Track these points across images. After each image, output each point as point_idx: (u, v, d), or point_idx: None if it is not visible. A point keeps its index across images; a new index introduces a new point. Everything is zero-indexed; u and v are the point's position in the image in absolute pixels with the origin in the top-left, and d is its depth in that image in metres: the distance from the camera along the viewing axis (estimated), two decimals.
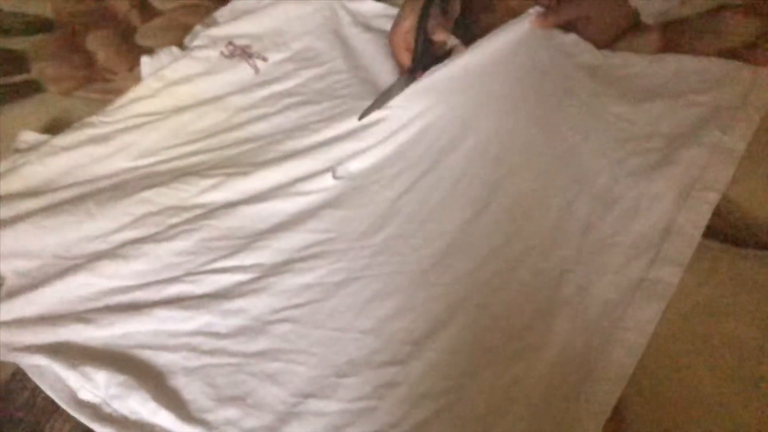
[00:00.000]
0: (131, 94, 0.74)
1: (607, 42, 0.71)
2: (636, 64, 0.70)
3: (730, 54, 0.70)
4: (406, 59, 0.70)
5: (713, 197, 0.57)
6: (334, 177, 0.64)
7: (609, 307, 0.51)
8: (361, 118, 0.67)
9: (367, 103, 0.68)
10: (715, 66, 0.68)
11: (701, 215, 0.56)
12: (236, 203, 0.63)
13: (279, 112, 0.73)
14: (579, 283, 0.53)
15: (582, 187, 0.59)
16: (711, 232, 0.56)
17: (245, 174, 0.65)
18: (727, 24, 0.72)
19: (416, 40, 0.68)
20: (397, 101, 0.67)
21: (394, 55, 0.72)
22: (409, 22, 0.68)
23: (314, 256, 0.58)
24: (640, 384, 0.48)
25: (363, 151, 0.66)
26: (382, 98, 0.67)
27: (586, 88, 0.67)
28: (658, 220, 0.56)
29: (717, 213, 0.57)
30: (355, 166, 0.65)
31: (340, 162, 0.65)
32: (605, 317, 0.51)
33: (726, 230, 0.56)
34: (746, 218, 0.57)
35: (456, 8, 0.73)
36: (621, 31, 0.72)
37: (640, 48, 0.71)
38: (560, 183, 0.60)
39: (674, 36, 0.72)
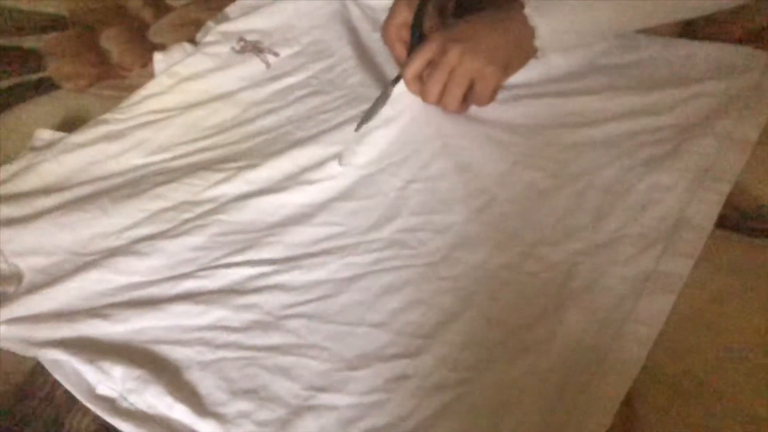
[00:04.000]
0: (144, 91, 0.75)
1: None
2: (647, 48, 0.69)
3: (745, 39, 0.69)
4: (402, 52, 0.69)
5: (725, 188, 0.57)
6: (340, 164, 0.64)
7: (619, 299, 0.51)
8: (357, 128, 0.66)
9: (374, 93, 0.68)
10: (727, 52, 0.67)
11: (712, 206, 0.56)
12: (247, 196, 0.63)
13: (289, 104, 0.73)
14: (589, 275, 0.53)
15: (591, 178, 0.59)
16: (722, 221, 0.56)
17: (255, 166, 0.65)
18: (742, 8, 0.71)
19: (412, 39, 0.67)
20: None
21: (389, 48, 0.71)
22: (403, 17, 0.67)
23: (325, 252, 0.58)
24: (651, 374, 0.48)
25: (364, 136, 0.65)
26: (376, 105, 0.67)
27: (595, 78, 0.67)
28: (668, 211, 0.56)
29: (728, 202, 0.56)
30: (360, 153, 0.65)
31: (345, 148, 0.65)
32: (615, 309, 0.51)
33: (738, 220, 0.56)
34: (759, 207, 0.57)
35: (451, 6, 0.72)
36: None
37: (657, 28, 0.70)
38: (569, 174, 0.60)
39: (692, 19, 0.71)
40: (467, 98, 0.65)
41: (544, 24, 0.61)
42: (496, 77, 0.63)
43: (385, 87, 0.68)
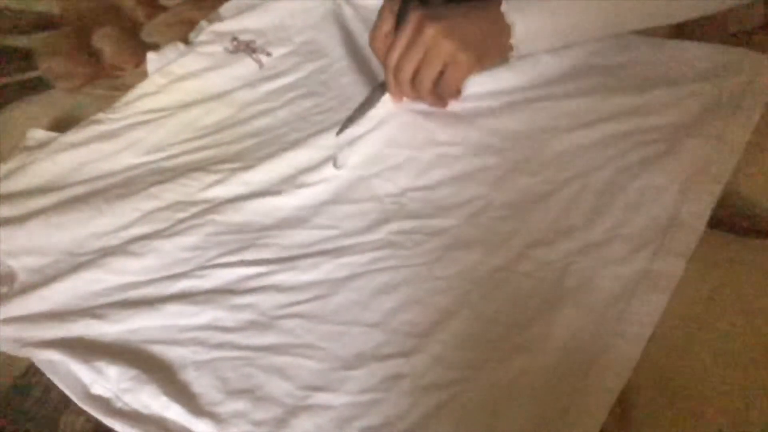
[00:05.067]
0: (138, 91, 0.75)
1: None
2: (639, 48, 0.69)
3: (737, 40, 0.70)
4: None
5: (716, 188, 0.57)
6: (335, 166, 0.64)
7: (613, 298, 0.52)
8: (339, 133, 0.66)
9: (365, 90, 0.69)
10: (719, 53, 0.67)
11: (704, 206, 0.56)
12: (241, 198, 0.63)
13: (283, 105, 0.73)
14: (583, 275, 0.53)
15: (586, 180, 0.59)
16: (714, 222, 0.56)
17: (249, 167, 0.65)
18: (735, 8, 0.71)
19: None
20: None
21: (378, 58, 0.70)
22: (388, 26, 0.66)
23: (320, 252, 0.58)
24: (645, 373, 0.48)
25: (359, 137, 0.65)
26: (360, 109, 0.67)
27: (587, 79, 0.67)
28: (661, 211, 0.56)
29: (721, 203, 0.57)
30: (353, 155, 0.65)
31: (339, 150, 0.65)
32: (609, 309, 0.51)
33: (730, 220, 0.57)
34: (750, 208, 0.58)
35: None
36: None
37: (648, 29, 0.70)
38: (564, 177, 0.60)
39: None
40: (436, 87, 0.64)
41: (520, 22, 0.61)
42: (468, 65, 0.62)
43: (371, 91, 0.68)
